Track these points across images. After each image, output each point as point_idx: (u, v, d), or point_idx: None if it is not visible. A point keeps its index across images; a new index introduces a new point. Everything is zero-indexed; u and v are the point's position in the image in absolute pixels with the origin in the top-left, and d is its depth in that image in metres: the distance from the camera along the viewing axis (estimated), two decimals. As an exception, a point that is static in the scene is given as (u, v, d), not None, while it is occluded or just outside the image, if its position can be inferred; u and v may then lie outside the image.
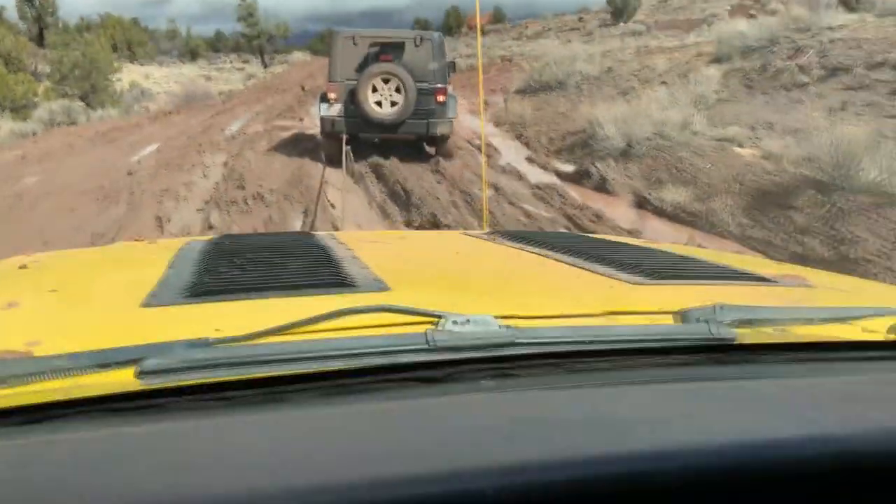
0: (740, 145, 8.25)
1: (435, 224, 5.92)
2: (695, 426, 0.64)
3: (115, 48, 36.94)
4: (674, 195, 6.57)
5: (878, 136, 6.07)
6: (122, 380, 0.68)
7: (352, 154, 8.36)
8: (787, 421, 0.65)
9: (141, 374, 0.68)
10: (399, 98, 8.56)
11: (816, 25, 12.14)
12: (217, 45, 64.58)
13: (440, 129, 8.88)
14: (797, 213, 5.39)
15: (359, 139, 8.83)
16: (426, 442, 0.58)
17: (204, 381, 0.67)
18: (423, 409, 0.65)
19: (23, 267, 1.36)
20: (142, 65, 41.45)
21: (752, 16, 18.66)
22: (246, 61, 48.79)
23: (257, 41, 51.03)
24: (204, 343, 0.73)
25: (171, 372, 0.68)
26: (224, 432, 0.59)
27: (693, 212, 6.17)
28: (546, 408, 0.66)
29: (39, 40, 37.62)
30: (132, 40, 47.07)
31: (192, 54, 53.68)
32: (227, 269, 1.15)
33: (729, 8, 27.44)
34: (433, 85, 8.77)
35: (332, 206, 6.86)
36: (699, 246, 5.47)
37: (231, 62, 48.56)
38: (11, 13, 38.67)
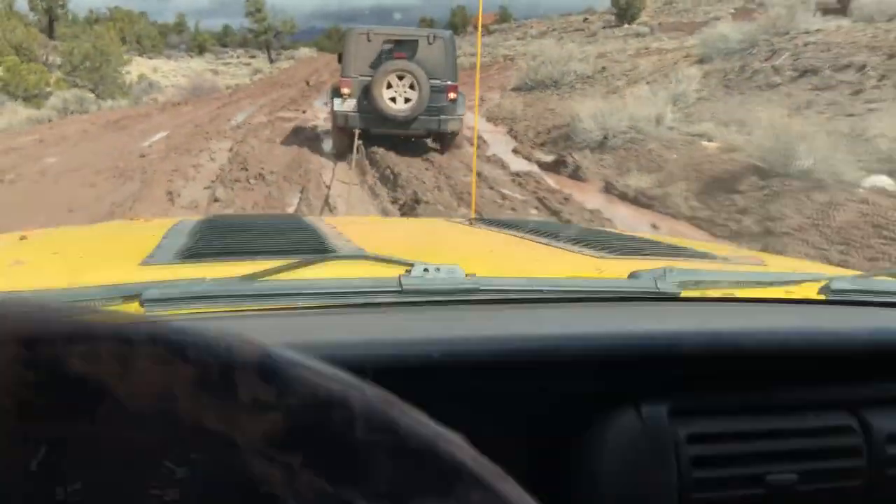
0: (710, 140, 8.87)
1: (416, 200, 6.55)
2: (593, 325, 0.79)
3: (123, 41, 37.64)
4: (638, 181, 7.20)
5: (822, 131, 6.70)
6: (127, 310, 0.71)
7: (363, 148, 8.90)
8: (681, 323, 0.82)
9: (144, 303, 0.71)
10: (413, 95, 8.82)
11: (795, 29, 12.75)
12: (224, 40, 65.21)
13: (451, 126, 9.25)
14: (740, 196, 6.02)
15: (367, 133, 9.20)
16: (383, 331, 0.73)
17: (201, 310, 0.72)
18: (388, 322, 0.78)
19: (23, 238, 1.40)
20: (150, 58, 42.09)
21: (754, 19, 19.13)
22: (253, 56, 49.40)
23: (264, 37, 51.71)
24: (200, 281, 0.78)
25: (172, 301, 0.72)
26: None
27: (652, 196, 6.81)
28: (490, 322, 0.79)
29: (49, 31, 38.28)
30: (141, 33, 47.80)
31: (199, 49, 54.36)
32: (218, 239, 1.21)
33: (732, 11, 27.90)
34: (444, 82, 9.09)
35: (328, 186, 7.51)
36: (652, 224, 6.11)
37: (238, 57, 49.19)
38: (22, 4, 39.38)
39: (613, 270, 1.03)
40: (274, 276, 0.79)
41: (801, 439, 0.78)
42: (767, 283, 1.01)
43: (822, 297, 0.97)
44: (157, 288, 0.73)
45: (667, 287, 0.89)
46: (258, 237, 1.25)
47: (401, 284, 0.80)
